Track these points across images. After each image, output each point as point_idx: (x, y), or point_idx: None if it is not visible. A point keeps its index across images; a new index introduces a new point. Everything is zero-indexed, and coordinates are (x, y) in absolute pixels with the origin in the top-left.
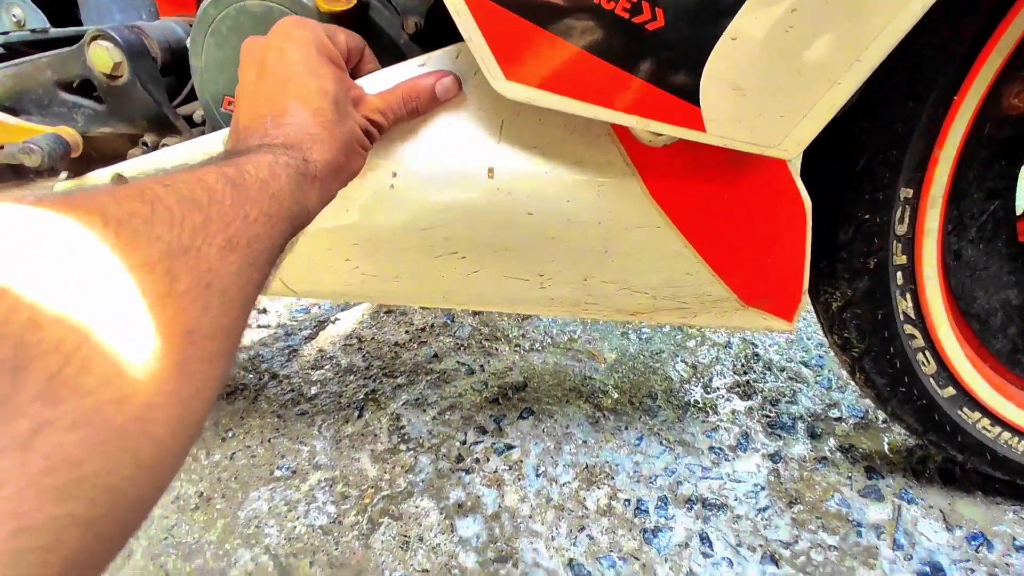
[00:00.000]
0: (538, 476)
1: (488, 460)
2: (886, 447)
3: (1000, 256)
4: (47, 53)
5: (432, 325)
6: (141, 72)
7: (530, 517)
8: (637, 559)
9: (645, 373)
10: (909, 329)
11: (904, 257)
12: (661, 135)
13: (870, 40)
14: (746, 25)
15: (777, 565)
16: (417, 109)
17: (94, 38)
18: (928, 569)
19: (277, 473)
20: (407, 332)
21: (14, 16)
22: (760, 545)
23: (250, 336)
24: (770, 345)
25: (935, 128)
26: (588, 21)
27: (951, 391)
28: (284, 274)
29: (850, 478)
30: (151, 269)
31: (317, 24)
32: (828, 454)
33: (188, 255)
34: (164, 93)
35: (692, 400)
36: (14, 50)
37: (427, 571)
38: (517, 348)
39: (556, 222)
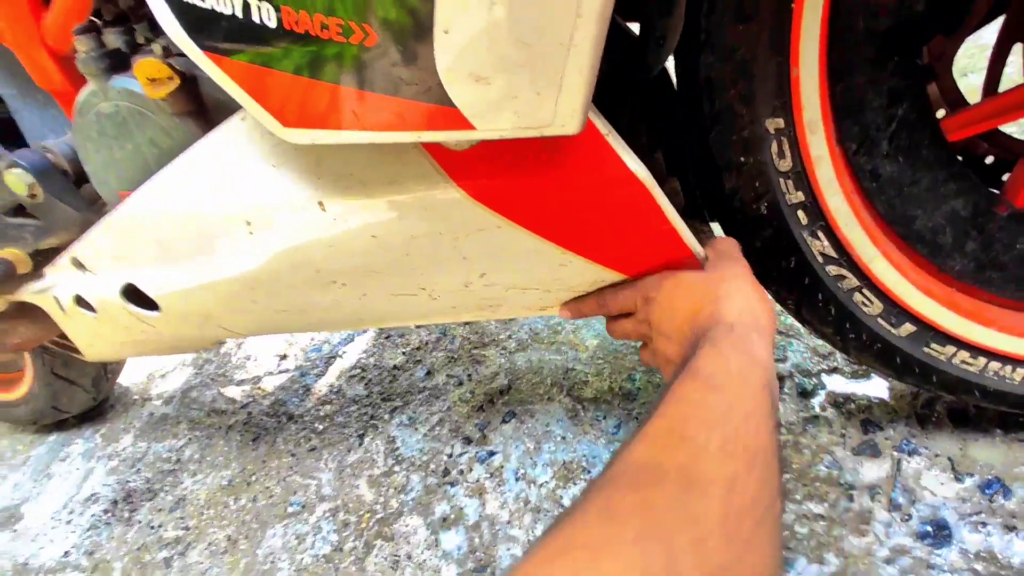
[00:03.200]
0: (518, 480)
1: (471, 470)
2: (887, 394)
3: (930, 165)
4: None
5: (427, 343)
6: (54, 188)
7: (508, 523)
8: None
9: (625, 354)
10: (834, 270)
11: (799, 193)
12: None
13: None
14: (449, 14)
15: None
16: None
17: (8, 167)
18: (930, 528)
19: (290, 509)
20: (404, 354)
21: None
22: None
23: (272, 382)
24: None
25: (782, 45)
26: (314, 55)
27: (910, 328)
28: (221, 320)
29: (844, 435)
30: None
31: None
32: (819, 412)
33: None
34: (82, 199)
35: None
36: None
37: None
38: (504, 351)
39: (401, 240)
